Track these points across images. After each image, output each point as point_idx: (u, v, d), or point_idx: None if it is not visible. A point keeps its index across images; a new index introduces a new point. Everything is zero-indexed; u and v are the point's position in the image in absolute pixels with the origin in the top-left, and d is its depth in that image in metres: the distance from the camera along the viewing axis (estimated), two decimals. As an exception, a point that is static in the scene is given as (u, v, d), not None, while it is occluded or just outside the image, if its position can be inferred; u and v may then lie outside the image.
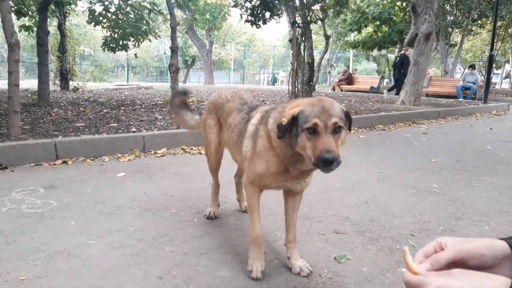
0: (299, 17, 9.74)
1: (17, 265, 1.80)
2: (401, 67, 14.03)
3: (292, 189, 1.84)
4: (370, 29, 20.17)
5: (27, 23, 8.77)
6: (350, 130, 1.65)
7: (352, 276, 1.79)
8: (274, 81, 34.65)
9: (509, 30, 23.29)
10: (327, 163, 1.41)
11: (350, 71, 25.49)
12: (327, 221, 2.45)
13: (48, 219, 2.36)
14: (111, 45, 8.63)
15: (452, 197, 2.99)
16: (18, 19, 8.32)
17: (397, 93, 12.94)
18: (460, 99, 13.52)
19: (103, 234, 2.16)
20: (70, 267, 1.80)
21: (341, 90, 18.01)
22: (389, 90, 15.32)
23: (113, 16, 8.30)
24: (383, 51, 26.00)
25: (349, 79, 18.88)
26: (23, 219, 2.34)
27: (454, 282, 0.65)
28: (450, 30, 20.13)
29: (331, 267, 1.87)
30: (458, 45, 21.03)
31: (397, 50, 24.80)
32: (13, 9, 7.55)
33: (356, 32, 20.08)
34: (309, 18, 10.03)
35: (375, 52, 25.57)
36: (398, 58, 14.88)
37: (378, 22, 17.56)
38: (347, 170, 3.76)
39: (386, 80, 28.87)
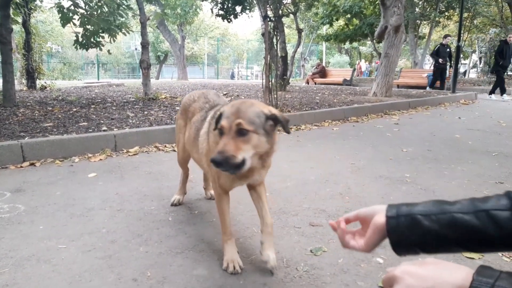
0: (271, 11, 9.74)
1: (-18, 273, 1.72)
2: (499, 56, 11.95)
3: (251, 183, 1.89)
4: (341, 22, 20.39)
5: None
6: (287, 132, 1.66)
7: (328, 268, 1.80)
8: (232, 76, 34.76)
9: (474, 21, 24.09)
10: (215, 163, 1.43)
11: (323, 64, 25.76)
12: (302, 214, 2.46)
13: (15, 224, 2.27)
14: (83, 42, 8.34)
15: (424, 185, 3.06)
16: None
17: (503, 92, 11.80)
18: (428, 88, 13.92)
19: (73, 238, 2.09)
20: (39, 273, 1.74)
21: (315, 83, 18.18)
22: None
23: (84, 12, 8.02)
24: (355, 44, 26.38)
25: (322, 72, 19.07)
26: (-12, 226, 2.24)
27: (420, 270, 0.69)
28: (419, 22, 20.62)
29: (307, 260, 1.88)
30: (426, 37, 21.56)
31: (369, 42, 25.20)
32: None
33: (328, 26, 20.25)
34: (280, 11, 10.03)
35: (347, 45, 25.89)
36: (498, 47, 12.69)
37: (349, 15, 17.75)
38: (321, 163, 3.80)
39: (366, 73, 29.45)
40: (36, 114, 5.56)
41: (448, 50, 13.36)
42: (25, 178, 3.16)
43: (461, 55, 20.41)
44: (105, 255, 1.90)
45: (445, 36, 13.78)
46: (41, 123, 4.80)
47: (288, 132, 1.66)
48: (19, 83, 10.50)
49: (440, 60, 13.11)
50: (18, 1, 8.48)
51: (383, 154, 4.16)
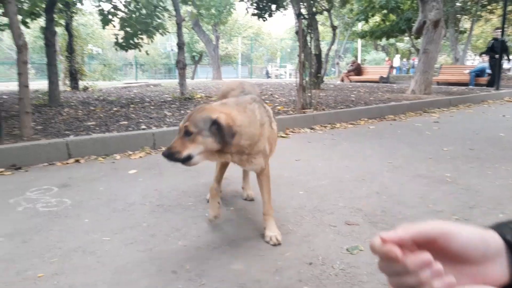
0: (305, 8, 9.67)
1: (34, 262, 1.84)
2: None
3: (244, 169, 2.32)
4: (377, 18, 19.91)
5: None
6: (226, 142, 1.77)
7: (365, 267, 1.78)
8: (267, 74, 34.70)
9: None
10: (163, 156, 1.80)
11: (359, 61, 25.26)
12: (338, 213, 2.44)
13: (62, 217, 2.40)
14: (122, 44, 8.65)
15: (465, 185, 2.95)
16: (32, 20, 8.38)
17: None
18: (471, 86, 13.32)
19: (116, 231, 2.19)
20: (85, 263, 1.83)
21: (350, 81, 17.86)
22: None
23: (124, 14, 8.32)
24: (391, 40, 25.69)
25: (357, 69, 18.70)
26: (38, 218, 2.39)
27: None
28: (459, 17, 19.78)
29: (343, 258, 1.87)
30: (468, 32, 20.66)
31: (406, 38, 24.46)
32: (24, 8, 7.63)
33: (363, 22, 19.85)
34: (314, 9, 9.94)
35: (383, 42, 25.25)
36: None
37: (385, 11, 17.30)
38: (357, 161, 3.75)
39: (399, 70, 28.62)
40: (80, 114, 5.83)
41: (502, 43, 12.68)
42: (71, 174, 3.33)
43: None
44: (146, 248, 1.98)
45: (497, 29, 13.18)
46: (84, 122, 5.03)
47: (226, 142, 1.78)
48: (63, 84, 11.00)
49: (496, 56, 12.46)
50: (61, 6, 8.88)
51: (422, 153, 4.05)
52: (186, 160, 1.78)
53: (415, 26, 10.31)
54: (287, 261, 1.85)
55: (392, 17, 18.23)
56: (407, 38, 22.27)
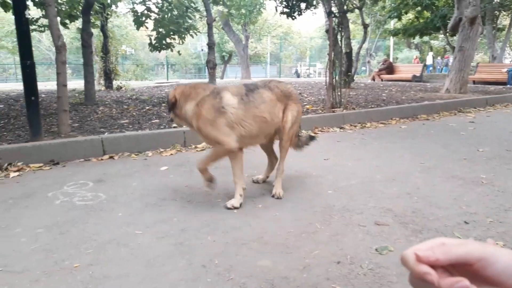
0: (335, 7, 9.57)
1: (71, 253, 1.93)
2: None
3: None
4: (411, 15, 19.38)
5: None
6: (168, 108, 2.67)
7: (394, 268, 1.76)
8: (297, 74, 34.43)
9: None
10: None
11: (391, 59, 24.71)
12: (368, 213, 2.42)
13: (98, 210, 2.50)
14: (155, 45, 8.86)
15: (501, 187, 2.85)
16: (70, 22, 8.72)
17: None
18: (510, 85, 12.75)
19: (148, 225, 2.26)
20: (119, 255, 1.90)
21: (381, 80, 17.50)
22: None
23: (156, 16, 8.52)
24: (425, 38, 24.94)
25: (389, 68, 18.30)
26: (75, 211, 2.49)
27: None
28: (497, 13, 18.95)
29: (372, 258, 1.85)
30: (506, 29, 19.76)
31: (441, 36, 23.66)
32: (63, 10, 7.97)
33: (396, 19, 19.37)
34: (345, 7, 9.82)
35: (417, 39, 24.56)
36: None
37: (419, 8, 16.82)
38: (388, 161, 3.68)
39: (430, 68, 27.71)
40: (114, 112, 6.02)
41: None
42: (105, 169, 3.45)
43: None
44: (176, 242, 2.03)
45: None
46: (118, 120, 5.20)
47: (169, 109, 2.68)
48: (98, 84, 11.38)
49: None
50: (97, 8, 9.19)
51: (456, 154, 3.92)
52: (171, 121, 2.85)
53: (450, 23, 9.99)
54: (315, 259, 1.85)
55: (426, 14, 17.70)
56: (442, 35, 21.58)
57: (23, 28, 3.79)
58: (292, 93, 2.80)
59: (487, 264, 0.48)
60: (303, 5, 10.75)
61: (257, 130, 2.56)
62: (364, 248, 1.96)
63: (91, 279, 1.70)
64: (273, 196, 2.69)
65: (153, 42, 8.84)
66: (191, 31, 8.82)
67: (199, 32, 9.66)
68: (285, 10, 10.90)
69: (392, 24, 24.26)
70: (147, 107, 6.60)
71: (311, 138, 3.19)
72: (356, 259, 1.84)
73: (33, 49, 4.02)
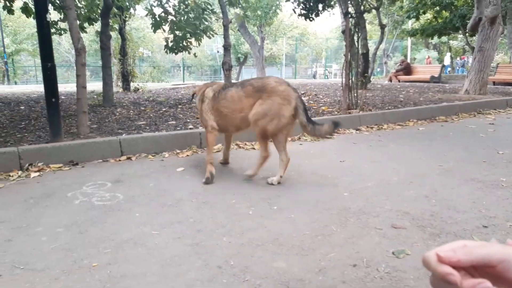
0: (352, 7, 9.50)
1: (90, 252, 1.97)
2: None
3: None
4: (429, 15, 19.09)
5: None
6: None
7: (412, 271, 1.74)
8: (314, 75, 34.31)
9: None
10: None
11: (408, 60, 24.37)
12: (384, 216, 2.39)
13: (115, 210, 2.54)
14: (172, 47, 8.96)
15: (523, 191, 2.78)
16: (89, 25, 8.90)
17: None
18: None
19: (165, 225, 2.28)
20: (136, 255, 1.93)
21: (399, 81, 17.28)
22: None
23: (173, 18, 8.62)
24: (444, 38, 24.51)
25: (407, 69, 18.06)
26: (93, 211, 2.54)
27: None
28: (520, 12, 18.45)
29: (389, 261, 1.83)
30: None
31: (460, 36, 23.20)
32: (82, 14, 8.14)
33: (414, 20, 19.09)
34: (362, 7, 9.73)
35: (435, 40, 24.15)
36: None
37: (438, 8, 16.54)
38: (405, 163, 3.63)
39: (449, 69, 27.21)
40: (131, 113, 6.11)
41: None
42: (123, 170, 3.51)
43: None
44: (192, 243, 2.05)
45: None
46: (135, 122, 5.27)
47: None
48: (116, 86, 11.55)
49: None
50: (116, 11, 9.34)
51: (475, 156, 3.85)
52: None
53: (470, 23, 9.79)
54: (331, 262, 1.84)
55: (445, 14, 17.40)
56: (461, 35, 21.18)
57: (44, 31, 3.88)
58: (267, 88, 2.97)
59: (509, 266, 0.48)
60: (320, 6, 10.71)
61: (223, 120, 3.20)
62: (381, 251, 1.94)
63: (109, 278, 1.73)
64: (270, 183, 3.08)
65: (170, 44, 8.93)
66: (208, 32, 8.88)
67: (215, 33, 9.72)
68: (303, 12, 10.87)
69: (410, 24, 23.93)
70: (164, 109, 6.68)
71: (335, 125, 3.06)
72: (373, 262, 1.82)
73: (53, 51, 4.11)
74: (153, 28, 8.68)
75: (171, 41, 8.89)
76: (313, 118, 3.29)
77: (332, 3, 11.13)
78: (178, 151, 4.17)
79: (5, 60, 24.34)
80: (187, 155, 4.05)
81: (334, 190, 2.91)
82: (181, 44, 8.89)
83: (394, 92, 10.16)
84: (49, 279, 1.73)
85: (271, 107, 2.94)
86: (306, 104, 7.08)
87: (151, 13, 8.51)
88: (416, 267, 1.77)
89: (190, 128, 4.71)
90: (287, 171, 3.15)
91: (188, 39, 8.86)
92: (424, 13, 17.74)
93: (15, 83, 25.74)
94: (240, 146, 4.41)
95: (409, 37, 25.92)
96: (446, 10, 16.82)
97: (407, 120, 6.04)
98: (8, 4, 8.11)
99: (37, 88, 14.66)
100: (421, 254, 1.77)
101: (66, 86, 14.58)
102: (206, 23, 8.96)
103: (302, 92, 9.93)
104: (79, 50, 4.24)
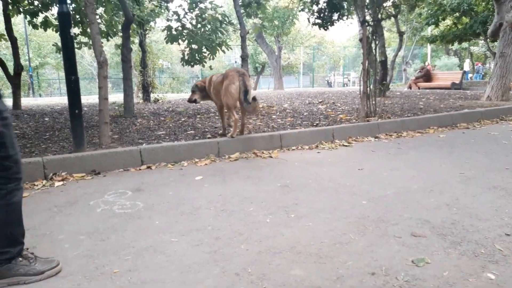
0: (369, 15, 9.47)
1: (111, 259, 2.01)
2: None
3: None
4: (448, 21, 18.83)
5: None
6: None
7: (432, 280, 1.71)
8: (329, 83, 34.19)
9: None
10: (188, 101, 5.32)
11: (428, 66, 24.02)
12: (404, 224, 2.36)
13: (135, 218, 2.60)
14: (188, 60, 9.12)
15: (549, 199, 2.70)
16: (107, 40, 9.17)
17: None
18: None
19: (184, 233, 2.32)
20: (156, 262, 1.97)
21: (419, 88, 17.05)
22: None
23: (189, 32, 8.78)
24: (465, 44, 24.09)
25: (427, 76, 17.82)
26: (115, 219, 2.60)
27: None
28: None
29: (408, 270, 1.81)
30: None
31: (481, 42, 22.77)
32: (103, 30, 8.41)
33: (433, 26, 18.87)
34: (380, 15, 9.70)
35: (455, 46, 23.76)
36: None
37: (457, 14, 16.32)
38: (425, 171, 3.58)
39: (470, 75, 26.67)
40: (151, 124, 6.22)
41: None
42: (143, 179, 3.57)
43: None
44: (210, 250, 2.07)
45: None
46: (155, 131, 5.37)
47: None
48: (136, 97, 11.80)
49: None
50: (135, 26, 9.58)
51: (498, 163, 3.76)
52: (195, 101, 5.04)
53: (490, 28, 9.64)
54: (349, 270, 1.83)
55: (465, 20, 17.13)
56: (482, 41, 20.79)
57: (68, 45, 4.02)
58: (226, 75, 4.56)
59: None
60: (335, 16, 10.72)
61: (214, 99, 4.92)
62: (400, 259, 1.91)
63: (129, 284, 1.76)
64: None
65: (186, 56, 9.10)
66: (222, 46, 9.00)
67: (230, 48, 9.83)
68: (317, 21, 10.90)
69: (429, 31, 23.65)
70: (183, 119, 6.78)
71: (253, 99, 4.38)
72: (392, 271, 1.80)
73: (77, 64, 4.24)
74: (166, 40, 8.85)
75: (187, 54, 9.05)
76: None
77: (347, 12, 11.12)
78: (197, 160, 4.22)
79: (30, 73, 25.20)
80: (205, 164, 4.09)
81: (352, 198, 2.89)
82: (197, 57, 9.04)
83: (414, 99, 10.03)
84: (72, 285, 1.78)
85: (225, 88, 4.44)
86: (324, 112, 7.06)
87: (168, 28, 8.70)
88: (436, 276, 1.74)
89: (208, 138, 4.77)
90: (303, 179, 3.15)
91: (204, 52, 9.00)
92: (444, 19, 17.52)
93: (40, 95, 26.63)
94: (257, 154, 4.43)
95: (428, 44, 25.60)
96: (466, 16, 16.58)
97: (427, 128, 5.96)
98: (32, 19, 8.45)
99: (61, 100, 15.09)
100: (441, 263, 1.75)
101: (88, 98, 14.96)
102: (222, 36, 9.08)
103: (320, 100, 9.91)
104: (101, 63, 4.36)
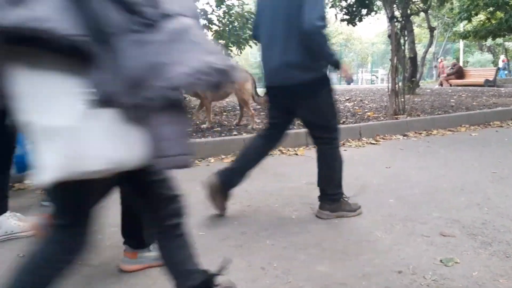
0: (398, 11, 9.27)
1: (141, 250, 2.07)
2: None
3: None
4: (482, 16, 18.14)
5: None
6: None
7: (460, 280, 1.68)
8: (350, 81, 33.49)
9: None
10: None
11: (460, 63, 23.28)
12: (432, 223, 2.32)
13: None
14: None
15: None
16: None
17: None
18: None
19: (211, 227, 2.38)
20: (184, 254, 2.02)
21: (450, 85, 16.56)
22: None
23: (218, 28, 8.86)
24: (499, 40, 23.14)
25: (459, 72, 17.27)
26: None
27: None
28: None
29: (436, 269, 1.78)
30: None
31: (517, 36, 21.83)
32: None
33: (465, 21, 18.24)
34: (409, 10, 9.47)
35: (489, 42, 22.89)
36: None
37: (491, 8, 15.69)
38: (456, 170, 3.50)
39: (505, 72, 25.62)
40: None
41: None
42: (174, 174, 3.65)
43: None
44: (236, 244, 2.11)
45: None
46: (182, 128, 5.47)
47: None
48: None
49: None
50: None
51: (533, 163, 3.62)
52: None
53: (528, 22, 9.23)
54: (375, 268, 1.82)
55: (500, 14, 16.46)
56: (519, 36, 19.93)
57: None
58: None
59: None
60: (363, 11, 10.53)
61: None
62: (428, 258, 1.89)
63: (159, 274, 1.82)
64: None
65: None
66: (250, 42, 9.02)
67: (258, 42, 9.84)
68: (345, 17, 10.75)
69: (462, 26, 22.87)
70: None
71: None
72: (419, 270, 1.78)
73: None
74: None
75: (213, 49, 9.15)
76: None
77: (376, 8, 10.91)
78: (223, 156, 4.27)
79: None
80: (231, 161, 4.13)
81: (379, 196, 2.86)
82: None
83: (445, 96, 9.76)
84: (105, 274, 1.86)
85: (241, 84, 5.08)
86: (351, 109, 6.99)
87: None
88: (465, 276, 1.71)
89: (235, 135, 4.82)
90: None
91: (230, 48, 9.05)
92: (476, 14, 16.87)
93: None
94: (283, 152, 4.44)
95: (460, 40, 24.76)
96: (500, 10, 15.91)
97: (458, 126, 5.79)
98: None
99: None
100: (471, 263, 1.72)
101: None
102: (249, 32, 9.11)
103: (347, 97, 9.79)
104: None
